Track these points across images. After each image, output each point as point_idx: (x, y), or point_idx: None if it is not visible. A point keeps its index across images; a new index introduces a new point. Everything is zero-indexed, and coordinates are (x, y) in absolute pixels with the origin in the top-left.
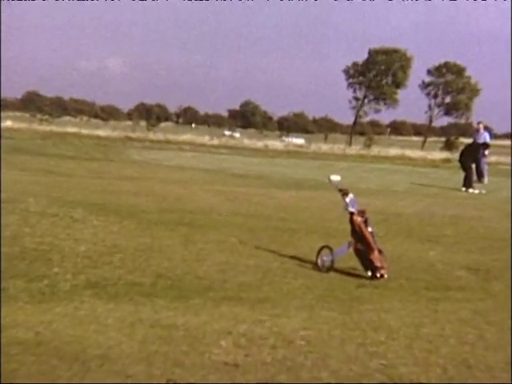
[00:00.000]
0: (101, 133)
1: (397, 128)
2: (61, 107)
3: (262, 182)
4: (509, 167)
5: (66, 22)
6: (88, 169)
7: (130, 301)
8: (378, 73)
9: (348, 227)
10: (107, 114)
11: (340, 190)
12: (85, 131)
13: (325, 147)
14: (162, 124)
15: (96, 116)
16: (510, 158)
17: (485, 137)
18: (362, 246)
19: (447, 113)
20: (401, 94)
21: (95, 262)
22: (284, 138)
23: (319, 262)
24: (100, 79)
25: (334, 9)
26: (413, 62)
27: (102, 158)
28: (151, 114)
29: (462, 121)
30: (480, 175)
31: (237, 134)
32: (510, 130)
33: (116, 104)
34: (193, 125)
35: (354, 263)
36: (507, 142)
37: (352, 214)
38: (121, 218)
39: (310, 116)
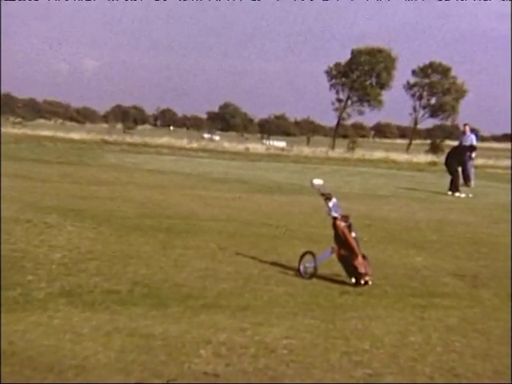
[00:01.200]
0: (76, 136)
1: (381, 130)
2: (34, 109)
3: (242, 186)
4: (497, 170)
5: (40, 21)
6: (63, 173)
7: (107, 309)
8: (362, 73)
9: (331, 232)
10: (82, 116)
11: (323, 195)
12: (59, 134)
13: (307, 150)
14: (139, 127)
15: (71, 118)
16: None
17: (471, 139)
18: (346, 251)
19: (433, 114)
20: (385, 95)
21: (70, 270)
22: (265, 140)
23: (302, 268)
24: (75, 80)
25: (314, 8)
26: (397, 62)
27: (77, 161)
28: (128, 117)
29: (448, 123)
30: (467, 179)
31: (216, 137)
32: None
33: (92, 106)
34: (171, 127)
35: (338, 270)
36: (494, 145)
37: (335, 218)
38: (97, 224)
39: (292, 118)
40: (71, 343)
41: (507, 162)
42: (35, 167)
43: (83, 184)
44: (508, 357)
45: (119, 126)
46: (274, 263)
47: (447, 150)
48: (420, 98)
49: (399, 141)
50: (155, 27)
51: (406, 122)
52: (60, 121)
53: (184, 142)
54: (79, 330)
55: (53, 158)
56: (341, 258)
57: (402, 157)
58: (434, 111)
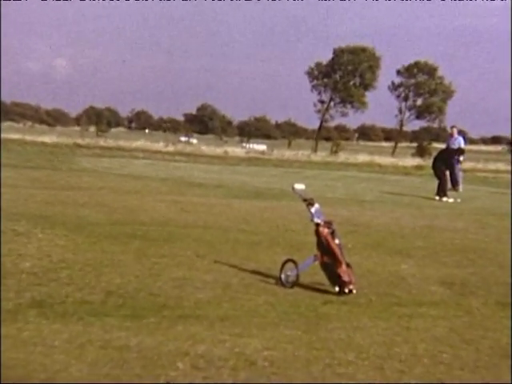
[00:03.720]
0: (46, 139)
1: (365, 133)
2: (1, 111)
3: (221, 191)
4: (486, 174)
5: (7, 18)
6: (32, 178)
7: (79, 320)
8: (345, 74)
9: (314, 239)
10: (53, 118)
11: (305, 200)
12: (29, 137)
13: (288, 154)
14: (113, 129)
15: (41, 121)
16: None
17: (459, 142)
18: (329, 259)
19: (419, 116)
20: (369, 96)
21: (41, 279)
22: (244, 144)
23: (283, 276)
24: (46, 81)
25: (295, 7)
26: (382, 61)
27: (48, 166)
28: (101, 119)
29: (435, 125)
30: (454, 183)
31: (194, 140)
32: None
33: (63, 108)
34: (146, 130)
35: (321, 278)
36: (483, 148)
37: (318, 225)
38: (68, 231)
39: (273, 120)
40: (42, 356)
41: (496, 166)
42: (2, 172)
43: (54, 189)
44: (497, 368)
45: (92, 128)
46: (253, 271)
47: (434, 153)
48: (406, 98)
49: (384, 144)
50: (130, 27)
51: (391, 124)
52: (29, 123)
53: (160, 146)
54: (50, 343)
55: (21, 163)
56: (324, 266)
57: (387, 160)
58: (421, 113)
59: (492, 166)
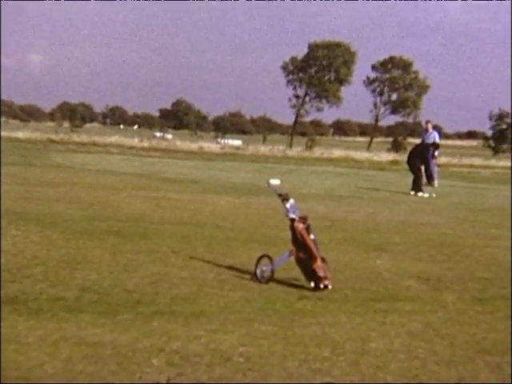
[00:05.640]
0: (20, 135)
1: (340, 128)
2: None
3: (196, 186)
4: (461, 169)
5: None
6: (5, 174)
7: (53, 317)
8: (320, 69)
9: (289, 235)
10: (27, 114)
11: (280, 195)
12: (1, 133)
13: (263, 149)
14: (88, 125)
15: (14, 116)
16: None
17: (434, 136)
18: (304, 254)
19: (394, 111)
20: (344, 91)
21: (14, 276)
22: (220, 139)
23: (258, 272)
24: (19, 76)
25: (271, 3)
26: (357, 56)
27: (22, 162)
28: (75, 114)
29: (410, 120)
30: (430, 178)
31: (169, 136)
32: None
33: (37, 103)
34: (121, 126)
35: (296, 273)
36: (458, 143)
37: (293, 220)
38: (42, 228)
39: (248, 116)
40: (15, 353)
41: (472, 161)
42: None
43: (28, 185)
44: (473, 363)
45: (66, 124)
46: (229, 267)
47: (409, 148)
48: (381, 93)
49: (360, 138)
50: (105, 21)
51: (366, 118)
52: (2, 119)
53: (135, 141)
54: (24, 340)
55: None
56: (299, 262)
57: (362, 155)
58: (396, 107)
59: (467, 160)
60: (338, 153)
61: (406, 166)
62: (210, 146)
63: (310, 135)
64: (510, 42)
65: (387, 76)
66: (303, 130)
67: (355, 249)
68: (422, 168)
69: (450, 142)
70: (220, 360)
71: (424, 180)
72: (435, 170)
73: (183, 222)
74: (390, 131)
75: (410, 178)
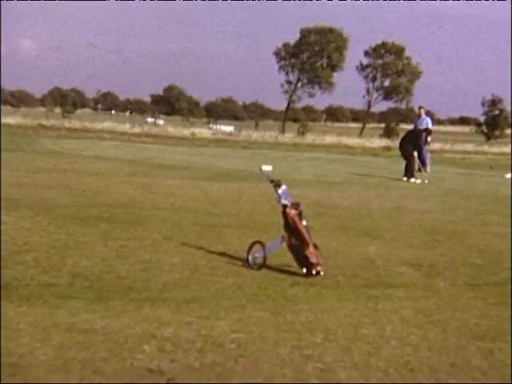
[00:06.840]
0: (11, 120)
1: (333, 114)
2: None
3: (188, 173)
4: (454, 155)
5: None
6: None
7: (45, 303)
8: (312, 54)
9: (281, 221)
10: (17, 99)
11: (272, 181)
12: None
13: (256, 135)
14: (79, 111)
15: (5, 102)
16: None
17: (427, 122)
18: (296, 240)
19: (387, 97)
20: (337, 77)
21: (6, 262)
22: (212, 125)
23: (250, 258)
24: (9, 61)
25: None
26: (349, 42)
27: (13, 148)
28: (67, 100)
29: (403, 106)
30: (422, 164)
31: (160, 122)
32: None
33: (27, 89)
34: (112, 111)
35: (288, 260)
36: (451, 128)
37: (285, 206)
38: (33, 214)
39: (240, 101)
40: (6, 340)
41: (464, 147)
42: None
43: (18, 171)
44: (465, 349)
45: (57, 109)
46: (221, 253)
47: (402, 134)
48: (373, 79)
49: (352, 125)
50: (97, 9)
51: (358, 105)
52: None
53: (126, 127)
54: (15, 326)
55: None
56: (291, 248)
57: (354, 141)
58: (388, 93)
59: (460, 146)
60: (330, 139)
61: (399, 152)
62: (201, 131)
63: (303, 121)
64: (510, 40)
65: (380, 62)
66: (295, 116)
67: (347, 235)
68: (415, 154)
69: (442, 128)
70: (212, 346)
71: (417, 166)
72: (428, 156)
73: (175, 208)
74: (382, 117)
75: (403, 164)
